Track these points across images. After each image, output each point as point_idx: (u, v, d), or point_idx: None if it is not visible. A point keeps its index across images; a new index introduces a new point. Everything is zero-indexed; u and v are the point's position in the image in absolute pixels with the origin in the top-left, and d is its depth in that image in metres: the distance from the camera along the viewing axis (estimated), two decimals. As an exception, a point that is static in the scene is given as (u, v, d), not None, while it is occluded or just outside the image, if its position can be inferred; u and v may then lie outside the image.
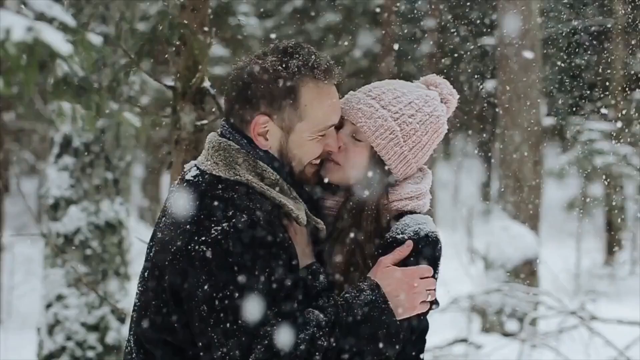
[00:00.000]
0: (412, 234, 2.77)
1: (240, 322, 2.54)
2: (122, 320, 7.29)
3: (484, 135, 20.93)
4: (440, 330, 10.80)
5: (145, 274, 2.78)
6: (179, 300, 2.65)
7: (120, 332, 7.27)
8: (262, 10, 18.47)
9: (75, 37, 2.88)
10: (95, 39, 3.10)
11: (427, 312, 2.80)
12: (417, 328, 2.80)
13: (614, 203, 16.73)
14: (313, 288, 2.71)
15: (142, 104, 7.92)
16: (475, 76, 16.49)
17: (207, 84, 4.06)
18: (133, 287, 8.11)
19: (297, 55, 2.75)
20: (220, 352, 2.58)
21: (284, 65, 2.73)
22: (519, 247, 11.14)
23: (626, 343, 9.18)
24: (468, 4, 16.29)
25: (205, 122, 4.08)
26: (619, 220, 17.52)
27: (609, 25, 15.05)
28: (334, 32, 19.46)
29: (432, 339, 10.22)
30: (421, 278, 2.73)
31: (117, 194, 7.32)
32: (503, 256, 11.15)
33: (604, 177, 15.46)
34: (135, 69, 3.91)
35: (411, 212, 2.86)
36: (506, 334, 10.76)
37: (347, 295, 2.69)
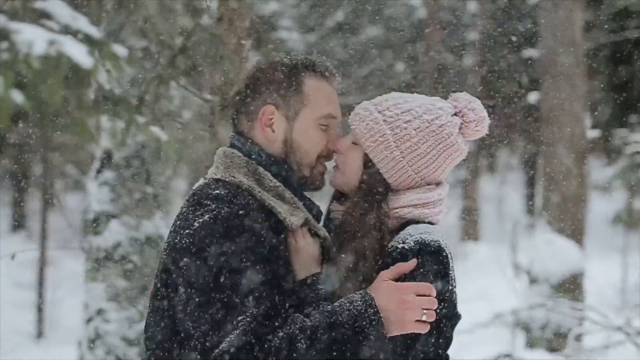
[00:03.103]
0: (413, 244, 2.70)
1: (211, 311, 2.57)
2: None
3: (528, 148, 20.80)
4: (484, 346, 10.69)
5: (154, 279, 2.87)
6: (169, 294, 2.71)
7: (160, 347, 7.25)
8: (304, 24, 18.50)
9: (100, 49, 2.89)
10: (121, 51, 3.10)
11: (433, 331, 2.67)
12: (411, 347, 2.66)
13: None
14: (307, 297, 2.71)
15: (184, 118, 7.93)
16: (518, 89, 16.39)
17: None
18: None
19: (300, 54, 2.94)
20: (194, 341, 2.60)
21: (287, 59, 2.91)
22: (564, 261, 11.00)
23: (674, 359, 9.04)
24: (511, 15, 16.21)
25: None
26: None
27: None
28: (377, 46, 19.43)
29: (475, 354, 10.14)
30: (418, 295, 2.63)
31: (157, 208, 7.34)
32: (547, 270, 11.02)
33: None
34: (167, 82, 3.93)
35: (417, 222, 2.80)
36: (551, 350, 10.63)
37: (336, 304, 2.64)
